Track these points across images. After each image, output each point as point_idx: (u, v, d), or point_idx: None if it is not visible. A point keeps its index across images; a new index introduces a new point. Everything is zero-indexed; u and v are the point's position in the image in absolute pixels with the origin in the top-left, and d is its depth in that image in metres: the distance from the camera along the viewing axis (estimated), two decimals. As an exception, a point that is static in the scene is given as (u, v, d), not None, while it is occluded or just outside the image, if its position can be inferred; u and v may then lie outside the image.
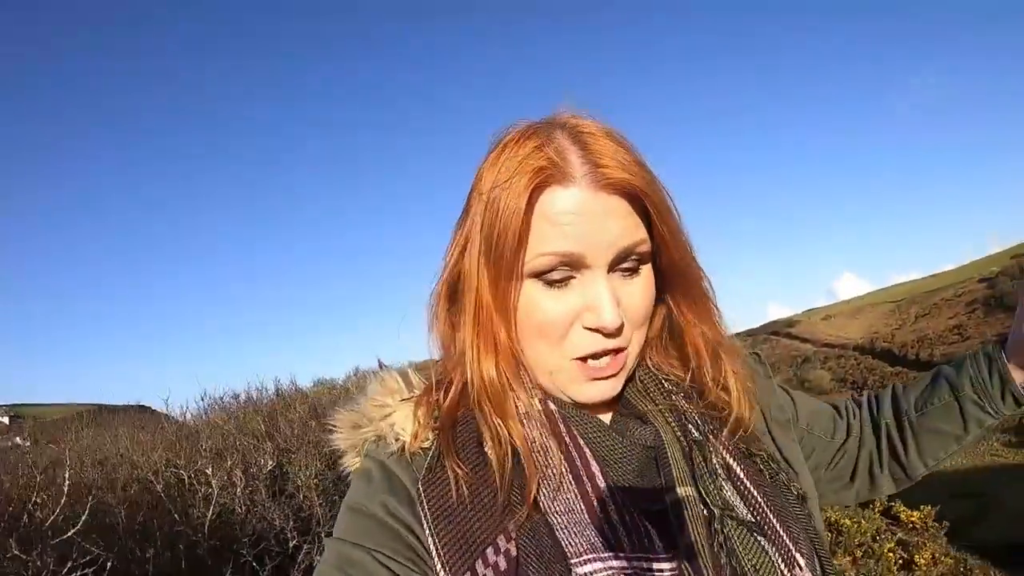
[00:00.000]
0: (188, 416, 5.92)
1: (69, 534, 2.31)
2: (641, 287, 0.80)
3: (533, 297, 0.77)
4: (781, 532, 0.77)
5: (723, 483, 0.80)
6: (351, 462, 0.83)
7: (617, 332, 0.77)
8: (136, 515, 3.16)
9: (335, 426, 0.84)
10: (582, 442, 0.79)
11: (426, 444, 0.79)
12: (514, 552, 0.71)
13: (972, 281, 66.87)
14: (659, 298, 0.86)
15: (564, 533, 0.71)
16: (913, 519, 8.79)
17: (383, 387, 0.85)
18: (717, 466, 0.81)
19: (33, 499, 2.39)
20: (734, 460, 0.83)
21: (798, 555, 0.76)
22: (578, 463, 0.77)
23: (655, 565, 0.71)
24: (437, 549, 0.71)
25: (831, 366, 60.14)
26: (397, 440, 0.80)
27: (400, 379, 0.86)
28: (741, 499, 0.79)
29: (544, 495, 0.74)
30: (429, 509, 0.73)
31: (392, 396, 0.84)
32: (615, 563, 0.69)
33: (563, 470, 0.76)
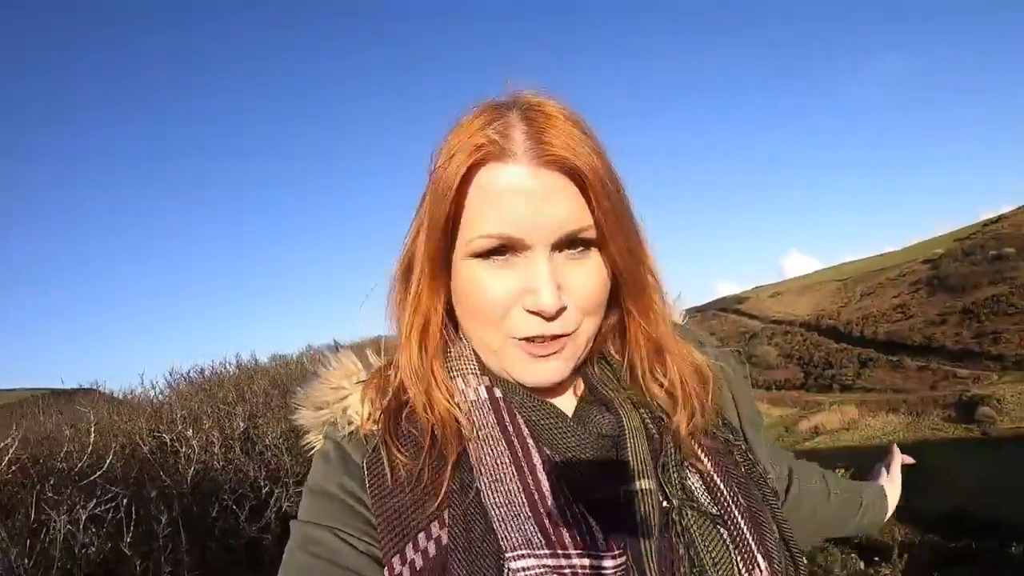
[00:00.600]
0: (157, 390, 6.39)
1: (94, 477, 2.97)
2: (590, 270, 0.78)
3: (474, 276, 0.76)
4: (744, 529, 0.76)
5: (688, 474, 0.79)
6: (314, 440, 0.85)
7: (556, 316, 0.75)
8: (131, 471, 3.68)
9: (299, 405, 0.86)
10: (526, 431, 0.77)
11: (377, 426, 0.80)
12: (445, 540, 0.71)
13: (916, 262, 68.11)
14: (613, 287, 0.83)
15: (501, 525, 0.70)
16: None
17: (340, 369, 0.86)
18: (684, 457, 0.80)
19: (64, 450, 3.06)
20: (703, 452, 0.82)
21: (759, 555, 0.75)
22: (520, 453, 0.75)
23: (596, 562, 0.68)
24: (378, 528, 0.74)
25: (778, 342, 62.33)
26: (351, 424, 0.82)
27: (357, 360, 0.87)
28: (707, 491, 0.78)
29: (484, 484, 0.73)
30: (370, 488, 0.76)
31: (349, 379, 0.85)
32: (550, 560, 0.67)
33: (505, 460, 0.74)
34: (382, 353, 0.89)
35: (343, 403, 0.83)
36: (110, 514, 2.89)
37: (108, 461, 3.02)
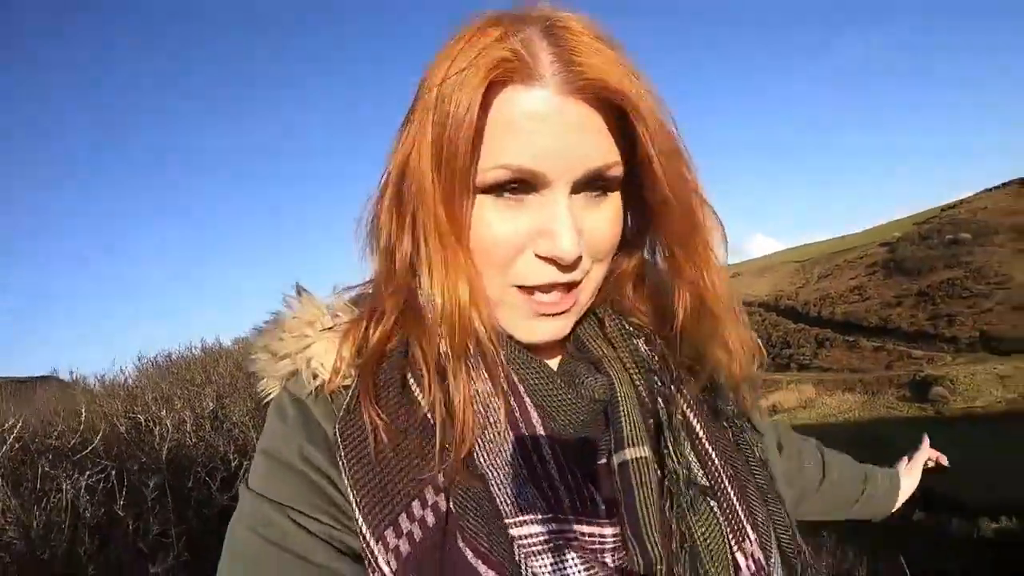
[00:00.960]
0: (127, 374, 6.68)
1: (86, 452, 3.36)
2: (608, 214, 0.71)
3: (480, 212, 0.68)
4: (735, 501, 0.73)
5: (683, 442, 0.74)
6: (271, 386, 0.76)
7: (574, 265, 0.68)
8: (112, 449, 3.99)
9: (255, 354, 0.77)
10: (522, 389, 0.71)
11: (348, 381, 0.71)
12: (444, 507, 0.65)
13: (874, 245, 69.10)
14: (644, 233, 0.79)
15: (499, 490, 0.65)
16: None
17: (302, 314, 0.76)
18: (679, 424, 0.74)
19: (58, 430, 3.50)
20: (696, 418, 0.76)
21: (749, 528, 0.72)
22: (517, 413, 0.69)
23: (597, 529, 0.66)
24: (357, 501, 0.65)
25: None
26: (316, 377, 0.72)
27: (323, 307, 0.77)
28: (699, 461, 0.74)
29: (480, 447, 0.67)
30: (346, 456, 0.67)
31: (311, 326, 0.75)
32: (554, 525, 0.64)
33: (501, 418, 0.68)
34: (344, 300, 0.79)
35: (306, 353, 0.73)
36: (100, 484, 3.27)
37: (97, 439, 3.44)
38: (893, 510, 1.41)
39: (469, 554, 0.63)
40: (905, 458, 1.48)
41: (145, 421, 4.75)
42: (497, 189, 0.67)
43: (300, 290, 0.79)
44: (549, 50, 0.65)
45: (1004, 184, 69.08)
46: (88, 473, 3.33)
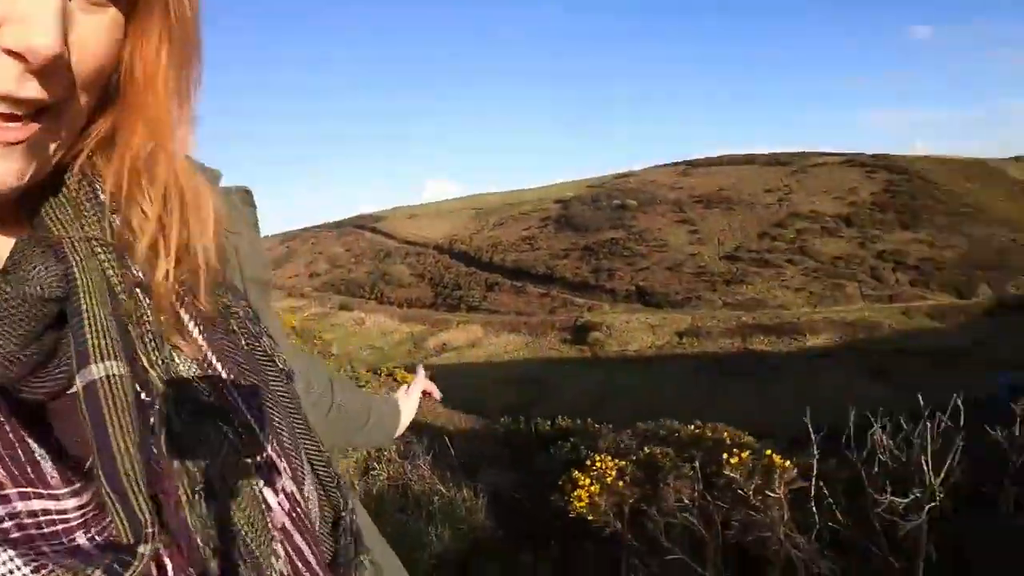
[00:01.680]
0: None
1: None
2: (107, 27, 0.51)
3: None
4: (252, 422, 0.57)
5: (171, 350, 0.55)
6: None
7: (46, 70, 0.46)
8: None
9: None
10: None
11: None
12: None
13: (549, 201, 76.39)
14: (131, 84, 0.57)
15: None
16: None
17: None
18: (162, 324, 0.55)
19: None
20: (190, 317, 0.58)
21: (275, 455, 0.58)
22: None
23: (52, 504, 0.45)
24: None
25: (411, 262, 67.90)
26: None
27: None
28: (200, 374, 0.56)
29: None
30: None
31: None
32: None
33: None
34: None
35: None
36: None
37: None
38: (397, 434, 1.37)
39: None
40: (404, 386, 1.45)
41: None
42: None
43: None
44: None
45: (673, 163, 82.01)
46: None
